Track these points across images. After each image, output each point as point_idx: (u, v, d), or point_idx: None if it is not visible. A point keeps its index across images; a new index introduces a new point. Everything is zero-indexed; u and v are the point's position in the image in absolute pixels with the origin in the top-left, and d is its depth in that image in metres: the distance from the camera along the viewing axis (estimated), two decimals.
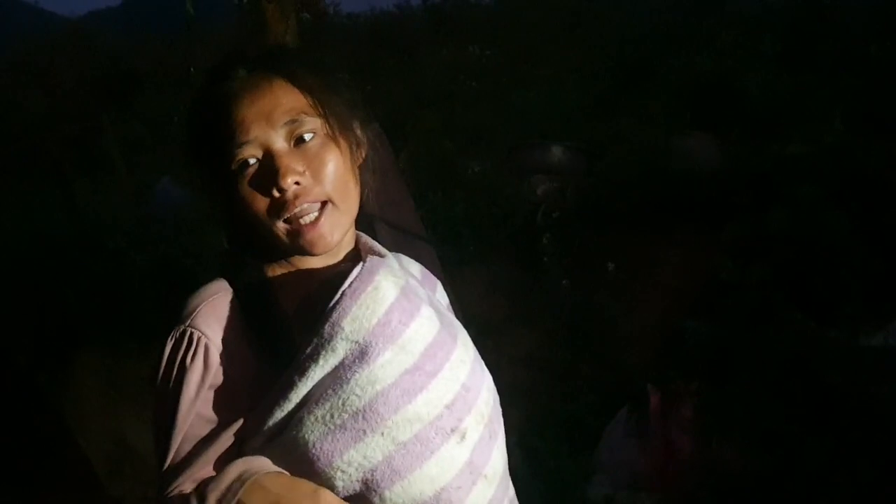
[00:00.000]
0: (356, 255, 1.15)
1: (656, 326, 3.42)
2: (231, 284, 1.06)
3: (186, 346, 1.01)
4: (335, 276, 1.06)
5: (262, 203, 1.03)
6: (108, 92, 8.05)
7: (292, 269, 1.11)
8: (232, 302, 1.05)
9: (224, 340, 1.02)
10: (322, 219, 1.04)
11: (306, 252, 1.06)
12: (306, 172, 1.04)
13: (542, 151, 5.16)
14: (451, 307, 1.29)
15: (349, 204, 1.09)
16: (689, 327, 3.39)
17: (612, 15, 8.86)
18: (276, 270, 1.11)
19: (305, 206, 1.03)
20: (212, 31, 9.28)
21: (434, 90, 7.61)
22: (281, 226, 1.04)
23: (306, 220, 1.03)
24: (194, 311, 1.03)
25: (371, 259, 1.04)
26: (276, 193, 1.02)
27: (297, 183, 1.02)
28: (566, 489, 2.81)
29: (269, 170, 1.03)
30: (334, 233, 1.06)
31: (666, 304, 3.51)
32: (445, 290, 1.35)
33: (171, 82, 8.75)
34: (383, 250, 1.16)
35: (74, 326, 4.30)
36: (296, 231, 1.04)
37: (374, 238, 1.21)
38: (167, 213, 5.57)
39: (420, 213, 3.08)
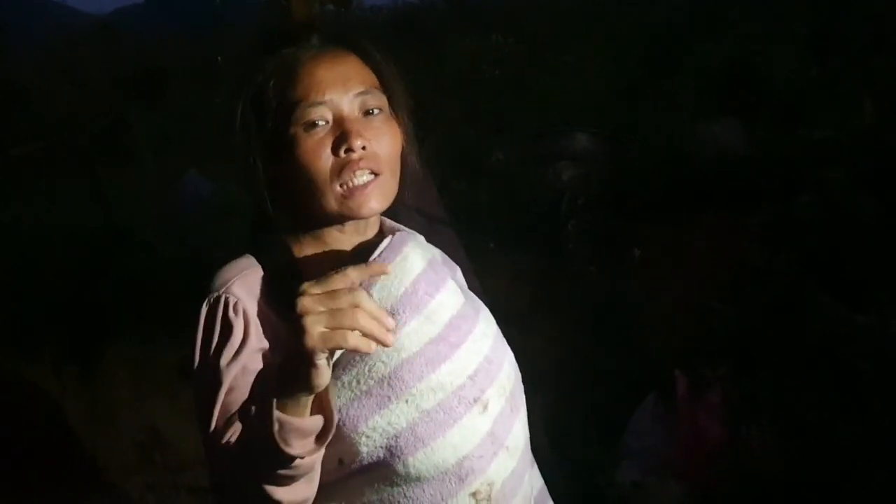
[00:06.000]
0: (381, 237, 1.17)
1: (683, 312, 3.40)
2: (259, 262, 1.08)
3: (224, 308, 1.02)
4: (363, 249, 1.10)
5: (325, 163, 1.06)
6: (135, 87, 8.11)
7: (321, 248, 1.13)
8: (262, 278, 1.07)
9: (257, 312, 1.04)
10: (372, 185, 1.07)
11: (351, 215, 1.08)
12: (371, 141, 1.07)
13: (567, 138, 5.13)
14: (469, 291, 1.31)
15: (395, 181, 1.12)
16: (716, 313, 3.37)
17: (637, 0, 8.76)
18: (305, 249, 1.13)
19: (364, 170, 1.06)
20: (236, 27, 9.34)
21: (456, 79, 7.59)
22: (336, 189, 1.06)
23: (358, 181, 1.06)
24: (228, 281, 1.05)
25: (400, 233, 1.09)
26: (342, 154, 1.05)
27: (363, 148, 1.06)
28: (593, 475, 2.81)
29: (340, 132, 1.06)
30: (380, 200, 1.09)
31: (693, 290, 3.48)
32: (468, 276, 1.36)
33: (195, 77, 8.81)
34: (408, 230, 1.18)
35: (104, 317, 4.35)
36: (347, 194, 1.06)
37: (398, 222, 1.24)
38: (194, 205, 5.62)
39: (443, 201, 3.09)
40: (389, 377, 1.01)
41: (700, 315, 3.36)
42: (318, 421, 0.91)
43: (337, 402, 0.99)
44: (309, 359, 0.85)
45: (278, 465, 0.90)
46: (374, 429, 1.01)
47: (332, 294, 0.86)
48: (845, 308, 3.29)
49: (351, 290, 0.87)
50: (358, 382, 1.01)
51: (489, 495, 1.07)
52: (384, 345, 0.88)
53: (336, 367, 1.01)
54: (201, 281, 1.09)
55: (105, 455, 3.42)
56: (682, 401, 2.81)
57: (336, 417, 0.93)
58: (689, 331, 3.29)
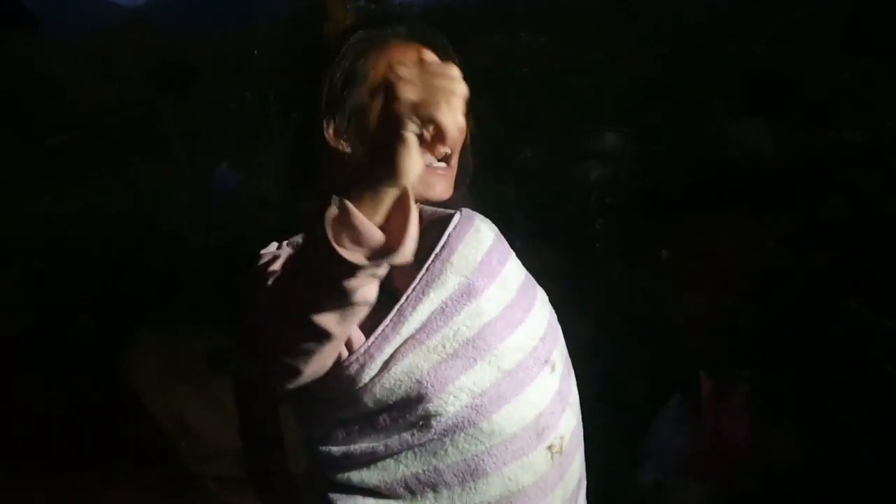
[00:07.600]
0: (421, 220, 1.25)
1: (709, 313, 3.40)
2: None
3: None
4: (431, 226, 1.16)
5: None
6: (168, 79, 8.17)
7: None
8: None
9: None
10: (442, 170, 1.15)
11: (423, 193, 1.14)
12: None
13: (595, 137, 5.13)
14: None
15: (455, 168, 1.20)
16: (743, 314, 3.35)
17: None
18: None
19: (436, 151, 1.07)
20: (269, 20, 9.39)
21: (485, 77, 7.57)
22: None
23: (431, 163, 1.13)
24: None
25: (465, 208, 1.18)
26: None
27: None
28: (616, 474, 2.81)
29: None
30: (446, 188, 1.17)
31: (719, 292, 3.48)
32: None
33: (228, 70, 8.86)
34: (448, 212, 1.25)
35: (133, 307, 4.40)
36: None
37: None
38: (224, 197, 5.66)
39: (470, 198, 3.09)
40: (474, 339, 1.09)
41: (726, 316, 3.36)
42: (378, 233, 0.82)
43: (424, 365, 1.06)
44: (398, 126, 0.80)
45: (327, 275, 0.83)
46: (460, 388, 1.07)
47: (433, 70, 0.81)
48: (872, 311, 3.28)
49: (451, 75, 0.81)
50: (444, 346, 1.08)
51: (561, 448, 1.16)
52: (447, 136, 0.81)
53: (417, 334, 1.07)
54: (228, 274, 1.13)
55: (132, 444, 3.46)
56: (706, 401, 2.80)
57: (409, 244, 0.83)
58: (715, 332, 3.29)
